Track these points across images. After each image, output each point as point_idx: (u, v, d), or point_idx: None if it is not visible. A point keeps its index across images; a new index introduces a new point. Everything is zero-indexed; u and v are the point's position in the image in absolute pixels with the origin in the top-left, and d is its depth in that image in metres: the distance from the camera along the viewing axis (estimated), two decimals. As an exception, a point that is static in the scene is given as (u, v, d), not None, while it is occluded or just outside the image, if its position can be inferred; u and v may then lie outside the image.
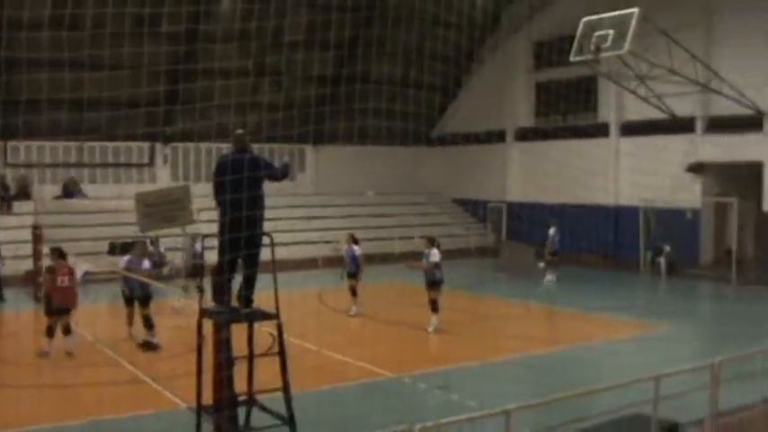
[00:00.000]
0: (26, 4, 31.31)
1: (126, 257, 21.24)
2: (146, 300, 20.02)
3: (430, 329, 21.75)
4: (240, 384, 11.30)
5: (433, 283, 21.93)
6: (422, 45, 40.30)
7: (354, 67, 40.12)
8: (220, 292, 11.09)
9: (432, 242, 22.37)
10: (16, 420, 13.72)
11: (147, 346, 19.50)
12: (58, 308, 18.74)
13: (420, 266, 22.27)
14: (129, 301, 20.74)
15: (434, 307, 21.89)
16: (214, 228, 11.37)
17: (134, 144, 39.09)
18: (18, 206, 35.41)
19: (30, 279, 28.28)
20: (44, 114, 31.84)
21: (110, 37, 33.23)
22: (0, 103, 31.66)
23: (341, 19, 37.78)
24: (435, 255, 21.90)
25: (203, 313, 11.25)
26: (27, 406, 14.74)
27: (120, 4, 29.98)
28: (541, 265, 31.65)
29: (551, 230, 31.39)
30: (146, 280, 19.22)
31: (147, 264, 20.52)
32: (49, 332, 18.63)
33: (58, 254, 19.63)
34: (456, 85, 45.67)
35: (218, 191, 11.00)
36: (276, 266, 10.75)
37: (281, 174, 11.44)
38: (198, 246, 22.28)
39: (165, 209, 11.25)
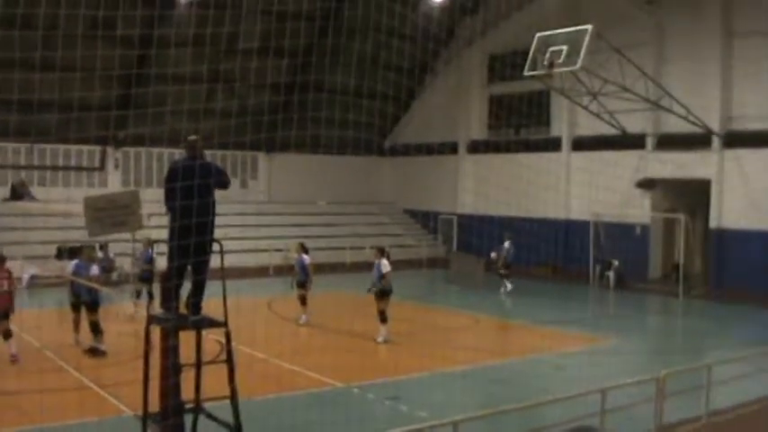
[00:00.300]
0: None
1: (73, 262, 20.99)
2: (93, 306, 19.75)
3: (379, 340, 21.76)
4: (187, 392, 11.20)
5: (382, 294, 21.93)
6: (376, 55, 40.42)
7: (308, 76, 40.09)
8: (168, 298, 11.00)
9: (382, 252, 22.41)
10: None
11: (94, 352, 19.29)
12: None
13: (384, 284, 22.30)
14: (75, 307, 20.48)
15: (383, 317, 21.90)
16: (164, 234, 11.27)
17: (85, 147, 38.76)
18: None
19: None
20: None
21: (63, 38, 33.02)
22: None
23: (296, 27, 37.70)
24: (385, 265, 21.93)
25: (151, 320, 11.15)
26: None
27: (73, 6, 29.74)
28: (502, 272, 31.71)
29: (506, 244, 31.59)
30: (93, 285, 19.02)
31: (95, 269, 20.26)
32: None
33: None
34: (410, 96, 45.85)
35: (169, 197, 10.91)
36: (226, 274, 10.69)
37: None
38: (150, 251, 22.09)
39: (114, 213, 11.14)
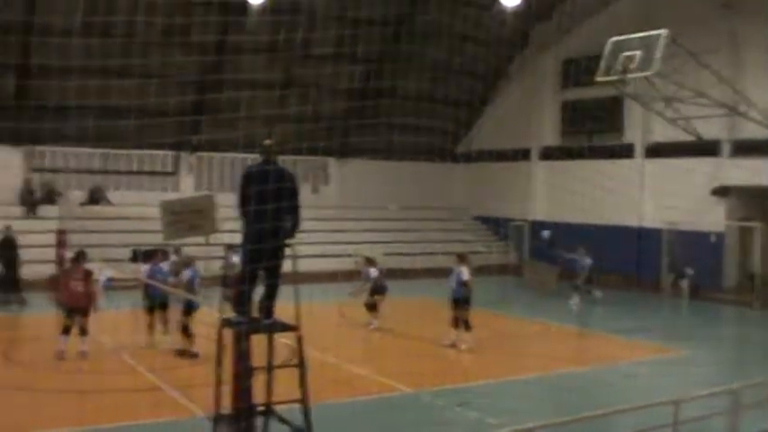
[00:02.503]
0: (58, 11, 31.69)
1: (148, 265, 21.37)
2: (188, 308, 19.99)
3: (463, 347, 21.52)
4: (258, 395, 11.30)
5: (462, 301, 21.72)
6: (450, 61, 40.41)
7: (381, 82, 40.17)
8: (241, 302, 11.12)
9: (462, 259, 22.15)
10: (34, 424, 13.84)
11: (184, 354, 19.47)
12: (71, 308, 19.01)
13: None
14: (150, 310, 20.78)
15: (467, 325, 21.61)
16: (237, 238, 11.40)
17: (159, 153, 39.25)
18: (43, 210, 35.64)
19: (52, 283, 28.43)
20: (72, 121, 32.10)
21: (139, 46, 33.60)
22: (29, 109, 31.82)
23: (369, 33, 37.88)
24: (465, 272, 21.68)
25: (224, 323, 11.27)
26: (45, 410, 14.80)
27: (150, 14, 30.22)
28: (576, 285, 31.23)
29: (581, 254, 31.09)
30: (170, 289, 19.32)
31: (188, 273, 20.37)
32: (65, 331, 18.88)
33: (76, 257, 19.84)
34: (482, 101, 45.62)
35: (244, 201, 11.03)
36: (297, 278, 10.77)
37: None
38: (232, 256, 22.26)
39: (189, 217, 11.28)
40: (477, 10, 37.80)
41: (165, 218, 11.32)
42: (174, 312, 20.58)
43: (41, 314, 23.60)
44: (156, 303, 20.51)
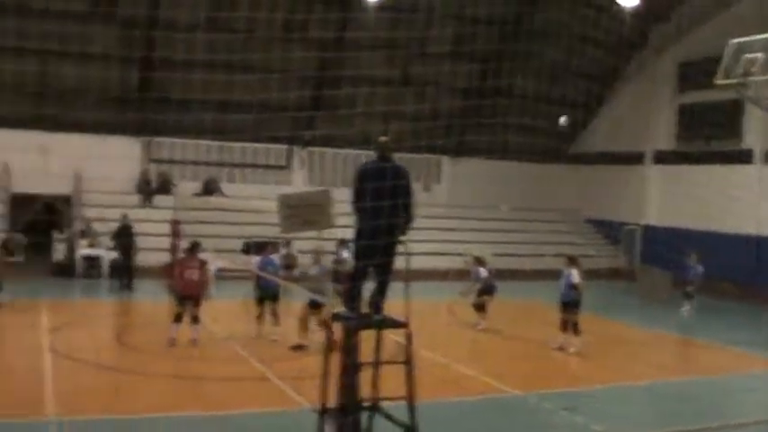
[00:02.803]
0: (182, 5, 32.40)
1: (260, 257, 21.69)
2: (312, 304, 20.30)
3: (571, 351, 21.26)
4: (364, 390, 11.34)
5: (571, 305, 21.44)
6: (566, 61, 39.94)
7: (497, 81, 39.94)
8: (352, 298, 11.17)
9: (572, 261, 21.87)
10: (145, 408, 14.17)
11: (300, 348, 19.59)
12: (184, 296, 19.42)
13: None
14: (260, 301, 21.04)
15: (576, 329, 21.29)
16: (349, 234, 11.45)
17: (273, 146, 39.73)
18: (159, 200, 36.50)
19: (166, 271, 29.10)
20: (189, 113, 32.80)
21: (258, 41, 34.08)
22: (149, 101, 32.64)
23: (487, 32, 37.69)
24: (575, 275, 21.41)
25: (334, 318, 11.34)
26: (156, 394, 15.17)
27: (271, 9, 30.64)
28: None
29: (693, 260, 30.20)
30: (279, 281, 19.56)
31: (316, 269, 20.44)
32: (177, 318, 19.31)
33: (191, 247, 20.24)
34: (597, 103, 44.95)
35: (358, 197, 11.06)
36: (409, 276, 10.78)
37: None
38: (343, 251, 22.38)
39: (306, 212, 11.36)
40: (595, 11, 37.26)
41: (283, 211, 11.42)
42: (285, 305, 20.89)
43: (154, 301, 24.18)
44: (267, 295, 20.77)
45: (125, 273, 29.68)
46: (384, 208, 10.64)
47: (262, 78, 31.73)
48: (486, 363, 19.70)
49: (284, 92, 32.81)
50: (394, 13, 34.92)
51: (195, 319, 19.41)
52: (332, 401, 11.23)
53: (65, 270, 31.89)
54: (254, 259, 22.52)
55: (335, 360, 11.13)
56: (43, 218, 33.39)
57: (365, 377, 11.18)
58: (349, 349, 10.83)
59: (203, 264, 20.17)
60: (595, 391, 17.61)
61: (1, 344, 20.50)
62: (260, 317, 20.93)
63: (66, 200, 35.82)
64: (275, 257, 21.85)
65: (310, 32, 34.86)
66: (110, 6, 32.87)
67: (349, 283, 11.31)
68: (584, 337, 21.37)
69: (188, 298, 19.41)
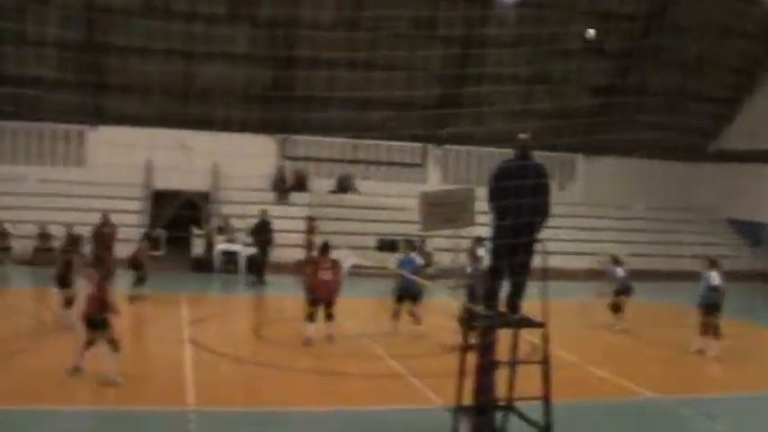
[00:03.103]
0: (321, 5, 32.85)
1: (400, 255, 21.79)
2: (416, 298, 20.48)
3: (710, 354, 20.70)
4: (499, 390, 11.31)
5: (711, 307, 20.81)
6: (705, 55, 38.82)
7: (631, 78, 39.24)
8: (491, 296, 11.15)
9: (713, 263, 21.23)
10: (281, 401, 14.44)
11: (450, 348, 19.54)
12: (318, 299, 19.49)
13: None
14: (400, 299, 20.98)
15: (716, 333, 20.61)
16: (485, 232, 11.43)
17: (407, 144, 39.91)
18: (294, 198, 37.09)
19: (300, 268, 29.56)
20: (325, 111, 33.22)
21: (394, 39, 34.28)
22: (286, 99, 33.21)
23: (618, 28, 37.01)
24: (715, 277, 20.80)
25: (472, 317, 11.34)
26: (292, 388, 15.42)
27: (409, 7, 30.75)
28: None
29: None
30: (415, 278, 19.61)
31: (473, 268, 20.50)
32: (310, 319, 19.38)
33: (323, 248, 20.37)
34: (739, 98, 43.50)
35: (496, 196, 11.02)
36: (545, 275, 10.71)
37: None
38: (478, 250, 22.28)
39: (448, 210, 11.37)
40: (741, 2, 36.17)
41: (424, 209, 11.46)
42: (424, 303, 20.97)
43: (289, 296, 24.55)
44: (407, 294, 20.76)
45: (260, 268, 30.26)
46: (525, 206, 10.60)
47: (398, 76, 31.96)
48: (622, 364, 19.32)
49: (421, 90, 32.96)
50: (524, 9, 34.62)
51: (330, 317, 19.60)
52: (467, 400, 11.24)
53: (203, 265, 32.76)
54: (394, 257, 22.62)
55: (472, 359, 11.13)
56: (184, 213, 34.31)
57: (499, 377, 11.16)
58: (486, 348, 10.83)
59: (336, 263, 20.32)
60: (736, 398, 17.06)
61: (144, 335, 21.17)
62: (396, 314, 20.96)
63: (205, 196, 36.76)
64: (415, 256, 21.88)
65: (448, 30, 34.85)
66: (249, 7, 33.59)
67: (488, 282, 11.30)
68: (725, 341, 20.75)
69: (321, 299, 19.55)
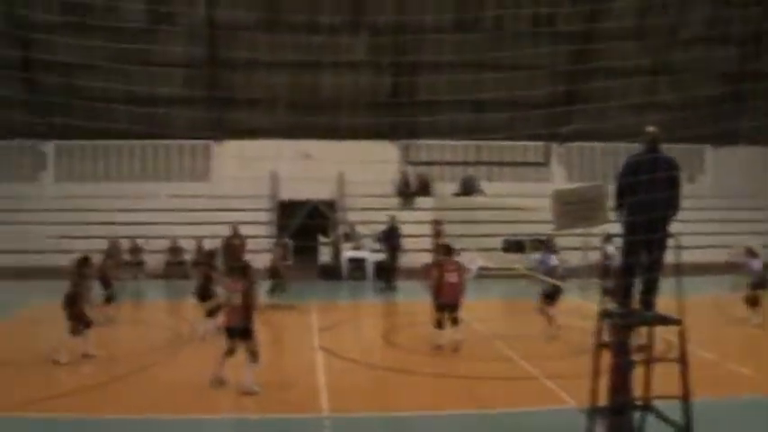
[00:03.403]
0: (428, 10, 32.90)
1: (539, 255, 21.57)
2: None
3: None
4: (634, 389, 11.08)
5: None
6: None
7: (758, 64, 38.05)
8: (624, 294, 10.93)
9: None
10: (416, 405, 14.47)
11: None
12: (444, 303, 19.21)
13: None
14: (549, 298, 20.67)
15: None
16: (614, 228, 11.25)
17: (530, 143, 39.65)
18: (419, 202, 37.18)
19: (426, 272, 29.57)
20: (445, 114, 33.23)
21: (508, 38, 34.07)
22: (405, 105, 33.33)
23: (742, 13, 35.96)
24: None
25: (604, 314, 11.13)
26: (425, 393, 15.42)
27: (524, 5, 30.55)
28: None
29: None
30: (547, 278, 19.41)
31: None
32: (438, 325, 19.17)
33: (446, 250, 20.19)
34: None
35: (626, 191, 10.81)
36: (679, 270, 10.46)
37: None
38: (609, 247, 21.94)
39: (581, 207, 11.21)
40: None
41: (557, 208, 11.32)
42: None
43: (417, 301, 24.57)
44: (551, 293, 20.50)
45: (390, 274, 30.41)
46: (659, 201, 10.39)
47: (519, 76, 31.75)
48: (762, 361, 18.72)
49: (542, 88, 32.68)
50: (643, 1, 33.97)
51: (455, 321, 19.38)
52: (603, 401, 11.04)
53: (331, 272, 33.10)
54: (533, 257, 22.38)
55: (605, 358, 10.94)
56: (310, 222, 34.73)
57: (635, 375, 10.94)
58: (620, 347, 10.63)
59: (460, 266, 20.18)
60: None
61: (277, 342, 21.46)
62: (547, 316, 20.61)
63: (331, 204, 37.15)
64: (551, 256, 21.57)
65: (559, 26, 34.47)
66: (368, 15, 33.84)
67: (620, 280, 11.10)
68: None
69: (447, 304, 19.29)
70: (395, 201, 37.68)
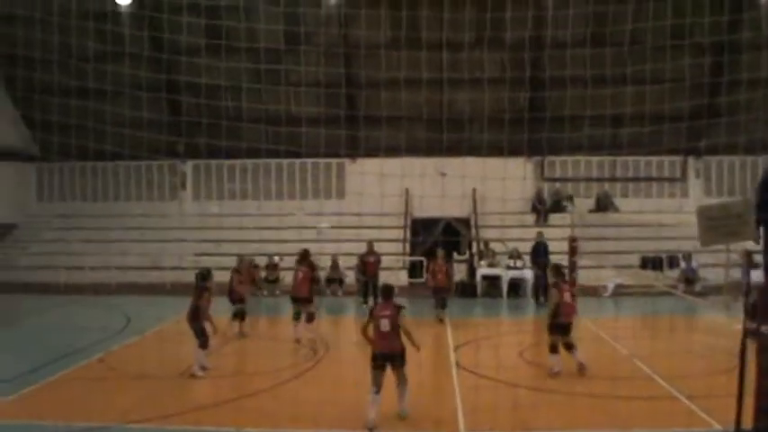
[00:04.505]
0: (566, 24, 32.64)
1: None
2: None
3: None
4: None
5: None
6: None
7: None
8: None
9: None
10: (552, 425, 14.39)
11: None
12: (561, 325, 18.59)
13: None
14: None
15: None
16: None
17: (666, 158, 38.96)
18: (554, 219, 36.90)
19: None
20: (581, 130, 32.92)
21: (641, 52, 33.54)
22: (541, 121, 33.13)
23: None
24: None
25: (747, 333, 10.85)
26: (564, 412, 15.27)
27: (654, 18, 30.05)
28: None
29: None
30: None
31: None
32: (553, 350, 18.63)
33: (556, 271, 19.48)
34: None
35: (765, 207, 10.55)
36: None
37: None
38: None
39: (727, 223, 10.99)
40: None
41: (703, 223, 11.14)
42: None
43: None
44: None
45: (538, 291, 30.35)
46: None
47: (647, 90, 31.27)
48: None
49: (676, 101, 32.06)
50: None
51: (569, 347, 18.62)
52: (747, 424, 10.76)
53: (467, 289, 33.08)
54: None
55: (752, 379, 10.66)
56: (444, 239, 34.78)
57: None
58: (766, 368, 10.34)
59: (573, 284, 19.60)
60: None
61: (415, 359, 21.53)
62: None
63: (465, 222, 37.18)
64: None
65: (699, 38, 33.73)
66: (496, 31, 33.77)
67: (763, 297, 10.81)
68: None
69: (565, 324, 18.61)
70: (530, 218, 37.51)
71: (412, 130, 36.14)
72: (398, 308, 14.78)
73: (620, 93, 32.97)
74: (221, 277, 22.58)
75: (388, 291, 15.31)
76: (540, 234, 31.77)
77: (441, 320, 26.21)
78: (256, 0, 31.84)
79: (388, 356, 14.45)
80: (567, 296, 18.76)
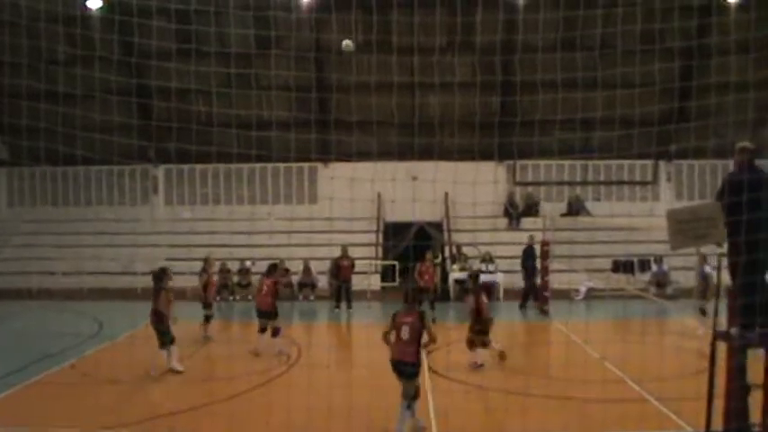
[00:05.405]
0: (536, 29, 32.76)
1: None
2: None
3: None
4: (753, 414, 10.79)
5: None
6: None
7: None
8: (745, 315, 10.66)
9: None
10: (520, 427, 14.34)
11: None
12: (482, 329, 19.51)
13: None
14: None
15: None
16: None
17: (637, 162, 39.15)
18: (525, 223, 37.00)
19: (540, 292, 29.43)
20: (553, 134, 33.06)
21: (610, 56, 33.70)
22: (511, 125, 33.18)
23: None
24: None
25: (719, 336, 10.89)
26: (529, 414, 15.22)
27: (628, 22, 30.19)
28: None
29: None
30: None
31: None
32: (472, 346, 19.51)
33: (474, 279, 20.49)
34: None
35: (731, 211, 10.62)
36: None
37: None
38: (706, 267, 21.52)
39: (696, 226, 11.04)
40: None
41: (672, 226, 11.18)
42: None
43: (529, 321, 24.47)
44: None
45: (532, 294, 30.34)
46: (764, 221, 10.19)
47: (622, 94, 31.37)
48: None
49: (646, 106, 32.22)
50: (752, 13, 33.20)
51: (485, 344, 19.45)
52: (717, 426, 10.79)
53: (439, 293, 33.03)
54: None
55: (721, 381, 10.70)
56: (416, 243, 34.79)
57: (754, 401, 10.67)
58: (736, 370, 10.37)
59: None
60: None
61: (384, 364, 21.49)
62: None
63: (437, 226, 37.19)
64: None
65: (669, 42, 33.91)
66: (467, 35, 33.85)
67: (734, 301, 10.85)
68: None
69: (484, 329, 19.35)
70: (502, 221, 37.57)
71: (383, 135, 36.06)
72: (421, 313, 14.31)
73: (591, 97, 33.02)
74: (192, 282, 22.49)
75: (413, 295, 14.82)
76: (530, 237, 31.69)
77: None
78: (227, 4, 31.72)
79: (395, 365, 13.96)
80: (483, 301, 20.03)
